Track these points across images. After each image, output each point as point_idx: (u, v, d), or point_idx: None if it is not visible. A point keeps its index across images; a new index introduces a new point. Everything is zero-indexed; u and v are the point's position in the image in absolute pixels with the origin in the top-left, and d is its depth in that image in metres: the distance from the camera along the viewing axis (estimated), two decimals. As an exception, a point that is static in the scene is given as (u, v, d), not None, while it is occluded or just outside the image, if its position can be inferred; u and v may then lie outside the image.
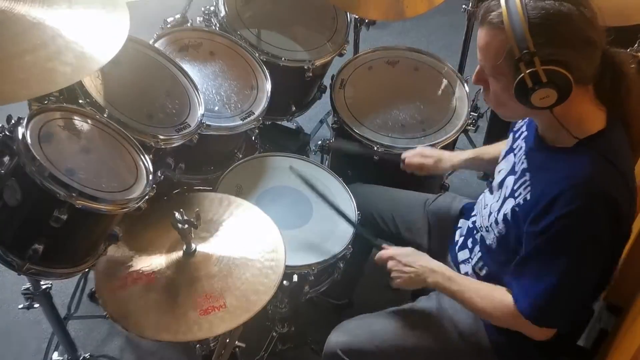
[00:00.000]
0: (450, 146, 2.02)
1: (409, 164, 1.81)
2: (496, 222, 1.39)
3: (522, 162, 1.36)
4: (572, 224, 1.20)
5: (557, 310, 1.29)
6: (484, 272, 1.49)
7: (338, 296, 2.13)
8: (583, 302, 1.34)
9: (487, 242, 1.45)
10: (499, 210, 1.39)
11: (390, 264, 1.52)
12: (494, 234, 1.41)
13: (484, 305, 1.39)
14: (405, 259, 1.50)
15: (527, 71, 1.15)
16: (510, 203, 1.35)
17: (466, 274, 1.54)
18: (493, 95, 1.28)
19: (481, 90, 1.32)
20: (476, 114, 2.10)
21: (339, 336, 1.58)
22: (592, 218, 1.20)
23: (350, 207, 1.78)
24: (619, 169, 1.22)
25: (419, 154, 1.81)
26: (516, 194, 1.33)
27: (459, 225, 1.65)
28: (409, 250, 1.54)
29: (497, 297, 1.37)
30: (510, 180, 1.38)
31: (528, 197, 1.29)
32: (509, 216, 1.34)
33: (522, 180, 1.33)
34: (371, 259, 2.08)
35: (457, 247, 1.61)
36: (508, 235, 1.36)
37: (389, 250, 1.55)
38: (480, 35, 1.23)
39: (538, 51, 1.13)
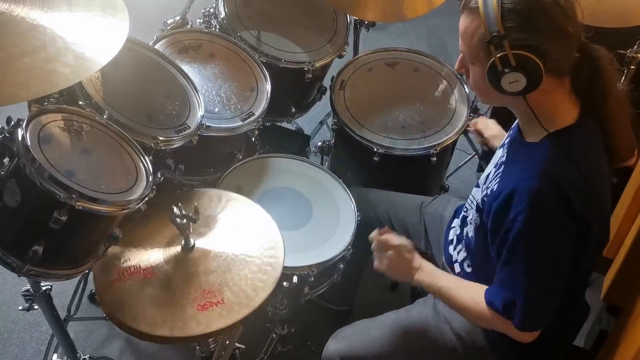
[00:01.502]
0: (450, 147, 2.02)
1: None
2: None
3: (503, 155, 1.38)
4: (527, 221, 1.20)
5: (520, 304, 1.28)
6: (470, 268, 1.50)
7: (338, 302, 2.13)
8: (549, 295, 1.30)
9: (470, 234, 1.46)
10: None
11: (389, 252, 1.48)
12: (474, 226, 1.43)
13: (468, 304, 1.37)
14: (403, 252, 1.47)
15: (497, 55, 1.17)
16: (484, 193, 1.37)
17: (458, 273, 1.54)
18: (472, 81, 1.30)
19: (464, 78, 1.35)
20: (476, 115, 2.10)
21: (337, 343, 1.58)
22: (545, 212, 1.21)
23: (350, 208, 1.78)
24: (578, 167, 1.22)
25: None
26: (489, 185, 1.36)
27: (453, 225, 1.65)
28: (410, 246, 1.50)
29: (476, 293, 1.36)
30: (492, 172, 1.40)
31: (495, 188, 1.31)
32: (480, 205, 1.37)
33: (497, 172, 1.35)
34: (371, 262, 2.09)
35: (451, 247, 1.61)
36: (481, 225, 1.38)
37: (394, 240, 1.49)
38: (461, 21, 1.26)
39: (508, 35, 1.16)
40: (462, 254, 1.54)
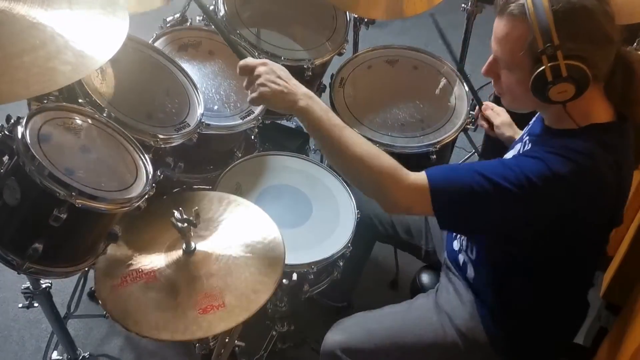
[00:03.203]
0: (450, 145, 2.02)
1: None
2: None
3: (526, 146, 1.35)
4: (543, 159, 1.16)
5: (446, 192, 1.26)
6: (474, 254, 1.48)
7: (337, 299, 2.13)
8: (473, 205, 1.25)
9: None
10: None
11: (261, 69, 1.30)
12: None
13: (366, 152, 1.27)
14: (280, 72, 1.31)
15: (549, 64, 1.14)
16: None
17: (463, 262, 1.54)
18: (506, 87, 1.27)
19: (492, 83, 1.31)
20: (474, 115, 2.10)
21: (336, 335, 1.58)
22: (567, 188, 1.16)
23: (350, 206, 1.78)
24: (615, 158, 1.20)
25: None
26: None
27: None
28: (284, 68, 1.34)
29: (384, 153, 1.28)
30: None
31: None
32: None
33: None
34: (370, 259, 2.09)
35: (455, 242, 1.61)
36: None
37: (260, 59, 1.33)
38: (499, 25, 1.21)
39: (561, 45, 1.13)
40: (466, 242, 1.52)
